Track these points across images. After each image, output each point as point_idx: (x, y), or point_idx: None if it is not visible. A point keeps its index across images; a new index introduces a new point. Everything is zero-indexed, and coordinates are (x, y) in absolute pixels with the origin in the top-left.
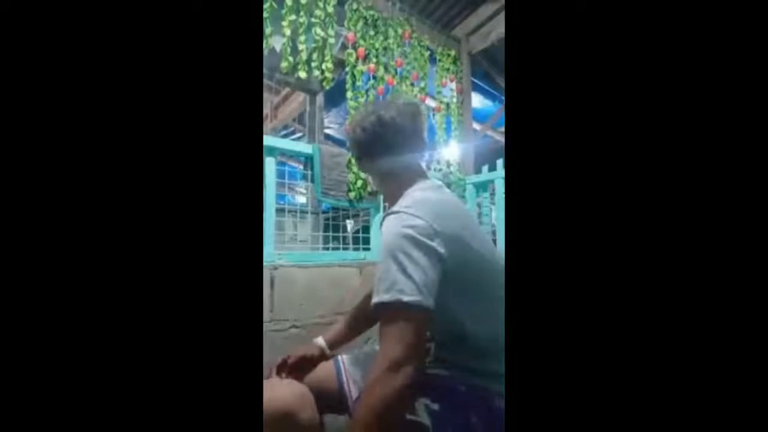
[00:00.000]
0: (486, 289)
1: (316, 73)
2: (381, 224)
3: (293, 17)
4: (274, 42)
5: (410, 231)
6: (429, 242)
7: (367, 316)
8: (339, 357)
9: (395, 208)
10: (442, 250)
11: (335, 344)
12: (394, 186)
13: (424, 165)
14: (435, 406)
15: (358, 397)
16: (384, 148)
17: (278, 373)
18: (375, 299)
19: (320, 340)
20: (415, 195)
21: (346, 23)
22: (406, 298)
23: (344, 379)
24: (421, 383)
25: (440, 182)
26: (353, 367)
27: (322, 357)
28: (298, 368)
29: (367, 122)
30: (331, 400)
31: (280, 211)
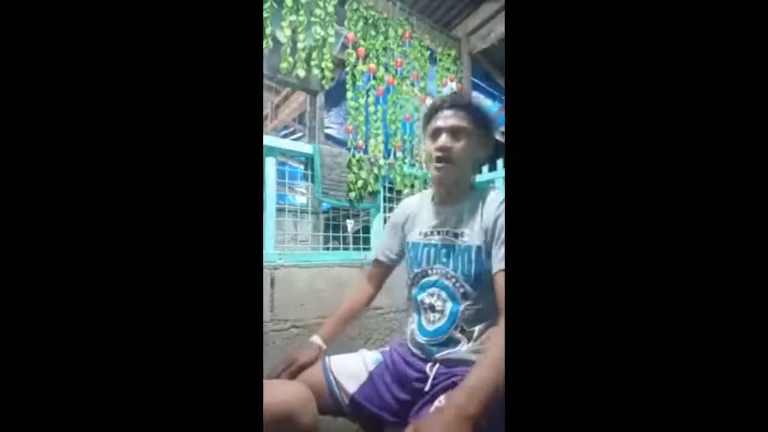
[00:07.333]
0: None
1: (316, 72)
2: (485, 198)
3: (293, 17)
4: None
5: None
6: None
7: (360, 308)
8: (326, 358)
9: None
10: None
11: (330, 339)
12: (464, 179)
13: None
14: None
15: (352, 398)
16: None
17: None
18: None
19: (317, 339)
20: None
21: (346, 23)
22: None
23: (332, 380)
24: None
25: None
26: (339, 368)
27: (321, 355)
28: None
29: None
30: (320, 401)
31: (280, 211)
